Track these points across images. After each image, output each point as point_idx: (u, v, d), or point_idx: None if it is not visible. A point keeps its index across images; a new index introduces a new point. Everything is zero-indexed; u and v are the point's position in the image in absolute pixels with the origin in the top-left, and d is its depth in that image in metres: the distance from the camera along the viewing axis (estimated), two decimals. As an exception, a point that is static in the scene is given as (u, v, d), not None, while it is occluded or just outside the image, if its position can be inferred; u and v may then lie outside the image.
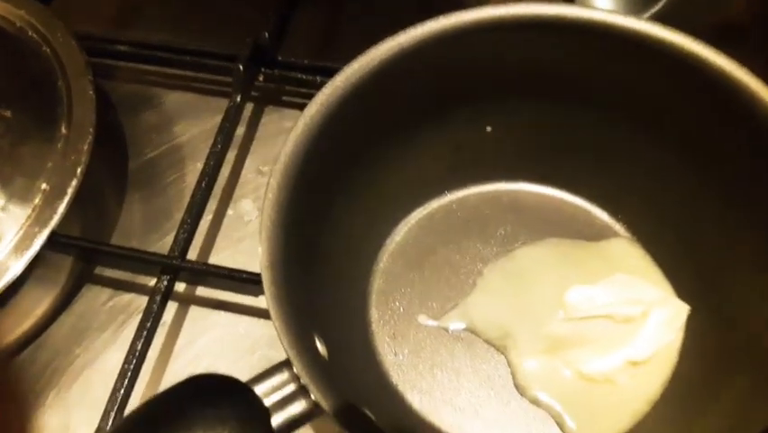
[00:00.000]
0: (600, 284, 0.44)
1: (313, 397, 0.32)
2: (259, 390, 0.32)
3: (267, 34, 0.55)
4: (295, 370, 0.32)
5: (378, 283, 0.46)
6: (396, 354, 0.44)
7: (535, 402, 0.43)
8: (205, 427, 0.30)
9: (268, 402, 0.32)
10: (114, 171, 0.56)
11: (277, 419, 0.32)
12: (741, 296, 0.41)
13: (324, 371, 0.33)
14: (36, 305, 0.51)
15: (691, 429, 0.39)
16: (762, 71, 0.38)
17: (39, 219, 0.47)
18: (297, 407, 0.33)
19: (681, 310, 0.43)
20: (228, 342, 0.49)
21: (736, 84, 0.37)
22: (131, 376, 0.44)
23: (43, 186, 0.48)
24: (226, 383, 0.32)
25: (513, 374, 0.43)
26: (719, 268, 0.42)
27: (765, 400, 0.34)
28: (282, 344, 0.32)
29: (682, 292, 0.45)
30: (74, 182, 0.47)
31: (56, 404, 0.48)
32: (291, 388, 0.33)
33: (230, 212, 0.54)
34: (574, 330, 0.43)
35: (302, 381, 0.32)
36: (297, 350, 0.32)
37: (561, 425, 0.42)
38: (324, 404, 0.31)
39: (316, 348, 0.35)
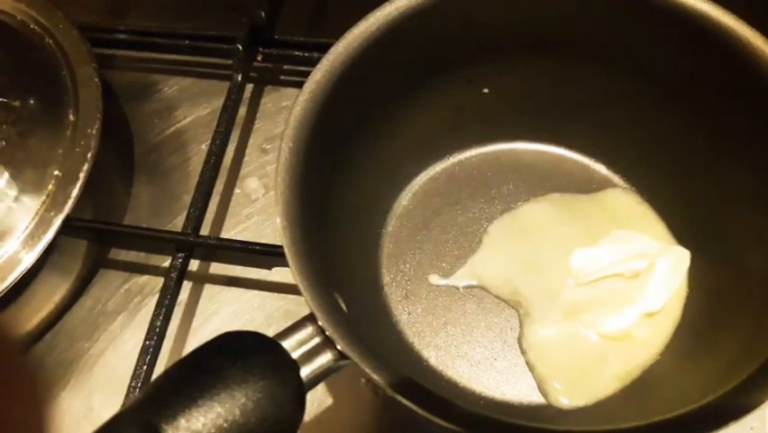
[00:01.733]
0: (601, 244, 0.45)
1: (339, 347, 0.33)
2: (285, 344, 0.33)
3: (263, 14, 0.56)
4: (319, 323, 0.33)
5: (387, 247, 0.48)
6: (409, 314, 0.46)
7: (530, 367, 0.44)
8: (237, 380, 0.31)
9: (295, 355, 0.33)
10: (120, 159, 0.57)
11: (305, 371, 0.33)
12: (738, 237, 0.42)
13: (347, 323, 0.34)
14: (52, 292, 0.52)
15: (699, 368, 0.40)
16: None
17: (53, 204, 0.48)
18: (324, 359, 0.33)
19: (684, 256, 0.45)
20: (243, 317, 0.50)
21: (726, 33, 0.38)
22: (153, 352, 0.45)
23: (56, 172, 0.49)
24: (255, 339, 0.33)
25: (519, 339, 0.45)
26: (715, 212, 0.44)
27: (766, 334, 0.35)
28: (305, 298, 0.33)
29: (680, 237, 0.46)
30: (85, 166, 0.48)
31: (77, 388, 0.49)
32: (316, 341, 0.34)
33: (237, 191, 0.55)
34: (587, 294, 0.45)
35: (327, 333, 0.33)
36: (320, 303, 0.33)
37: (546, 393, 0.43)
38: (351, 353, 0.32)
39: (338, 303, 0.36)
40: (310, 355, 0.34)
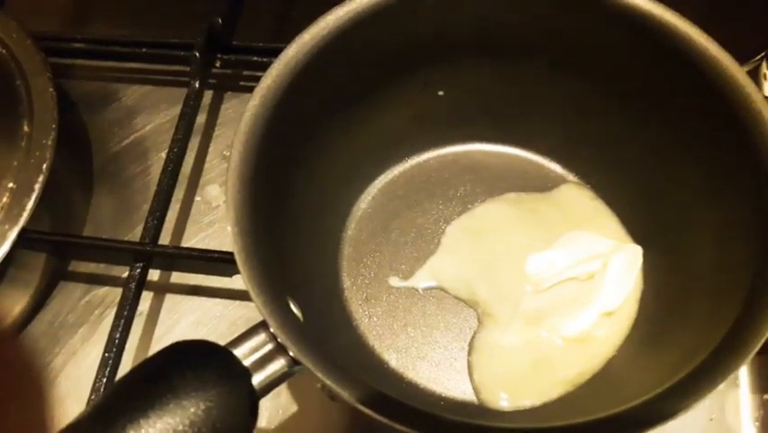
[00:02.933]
0: (555, 247, 0.46)
1: (291, 354, 0.33)
2: (237, 352, 0.33)
3: (220, 20, 0.56)
4: (271, 329, 0.33)
5: (347, 251, 0.48)
6: (370, 317, 0.46)
7: (469, 369, 0.44)
8: (187, 390, 0.31)
9: (247, 363, 0.33)
10: (78, 169, 0.56)
11: (257, 378, 0.33)
12: (690, 230, 0.42)
13: (300, 329, 0.34)
14: (11, 307, 0.51)
15: (655, 360, 0.40)
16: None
17: (8, 217, 0.47)
18: (276, 365, 0.33)
19: (636, 253, 0.45)
20: (206, 326, 0.50)
21: (673, 31, 0.38)
22: (112, 364, 0.45)
23: (10, 185, 0.48)
24: (205, 347, 0.33)
25: (472, 337, 0.45)
26: (668, 205, 0.44)
27: (719, 325, 0.35)
28: (256, 304, 0.33)
29: (633, 231, 0.47)
30: (41, 178, 0.48)
31: (39, 402, 0.48)
32: (269, 347, 0.33)
33: (197, 198, 0.55)
34: (545, 300, 0.45)
35: (279, 339, 0.33)
36: (272, 309, 0.33)
37: (485, 401, 0.42)
38: (303, 359, 0.32)
39: (291, 310, 0.36)
40: (263, 362, 0.33)
